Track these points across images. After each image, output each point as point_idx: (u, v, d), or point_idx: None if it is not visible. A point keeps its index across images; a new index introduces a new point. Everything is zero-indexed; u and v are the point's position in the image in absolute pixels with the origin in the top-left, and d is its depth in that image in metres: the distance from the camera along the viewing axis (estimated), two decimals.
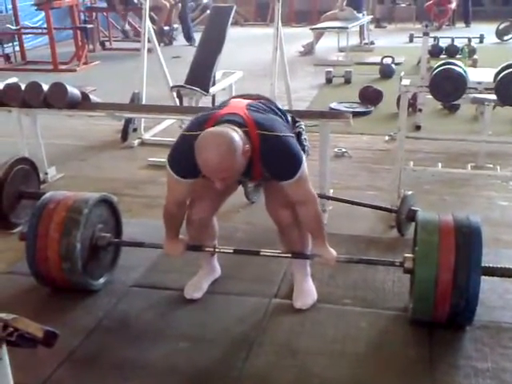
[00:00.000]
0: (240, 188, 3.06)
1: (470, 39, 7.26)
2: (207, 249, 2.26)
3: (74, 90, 3.38)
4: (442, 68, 2.83)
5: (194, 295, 2.29)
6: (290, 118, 2.15)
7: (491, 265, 2.07)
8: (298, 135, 2.13)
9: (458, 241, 1.96)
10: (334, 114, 3.43)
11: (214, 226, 2.31)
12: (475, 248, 1.95)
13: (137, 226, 2.83)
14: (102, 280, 2.38)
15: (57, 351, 1.64)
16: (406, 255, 2.13)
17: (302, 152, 2.00)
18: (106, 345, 2.06)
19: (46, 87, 3.33)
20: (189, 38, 9.23)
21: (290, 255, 2.23)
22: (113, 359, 1.99)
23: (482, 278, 1.97)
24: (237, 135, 1.80)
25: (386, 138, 4.35)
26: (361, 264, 2.39)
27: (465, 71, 2.83)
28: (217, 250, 2.26)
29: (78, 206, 2.26)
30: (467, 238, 1.97)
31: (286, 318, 2.20)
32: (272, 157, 1.89)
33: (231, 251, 2.27)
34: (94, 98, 3.81)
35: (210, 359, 1.98)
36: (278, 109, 2.12)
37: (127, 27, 9.32)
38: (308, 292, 2.27)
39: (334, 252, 2.14)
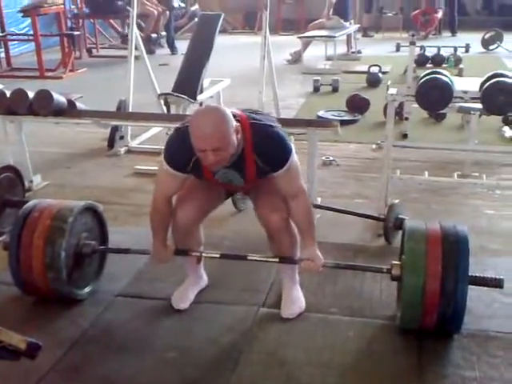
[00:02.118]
0: None
1: (456, 48, 7.33)
2: (194, 253, 2.22)
3: (59, 98, 3.36)
4: (428, 77, 2.85)
5: (181, 305, 2.27)
6: None
7: (478, 274, 2.08)
8: None
9: (445, 249, 1.97)
10: (321, 123, 3.45)
11: (199, 234, 2.29)
12: (462, 257, 1.96)
13: (123, 235, 2.80)
14: (87, 289, 2.35)
15: (40, 362, 1.62)
16: (394, 262, 2.14)
17: None
18: (90, 356, 2.03)
19: (31, 94, 3.30)
20: (172, 46, 9.23)
21: (277, 260, 2.21)
22: (98, 370, 1.96)
23: (469, 287, 1.97)
24: (229, 112, 1.87)
25: (373, 146, 4.37)
26: (348, 271, 2.39)
27: (451, 80, 2.85)
28: (204, 254, 2.24)
29: (62, 214, 2.23)
30: (454, 247, 1.98)
31: (274, 327, 2.18)
32: (264, 145, 1.94)
33: (218, 256, 2.25)
34: (80, 105, 3.78)
35: (197, 369, 1.96)
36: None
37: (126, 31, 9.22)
38: (296, 301, 2.26)
39: (321, 257, 2.13)
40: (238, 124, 1.89)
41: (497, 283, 2.09)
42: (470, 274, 1.98)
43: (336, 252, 2.71)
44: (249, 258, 2.22)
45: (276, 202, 2.11)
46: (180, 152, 1.96)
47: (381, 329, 2.16)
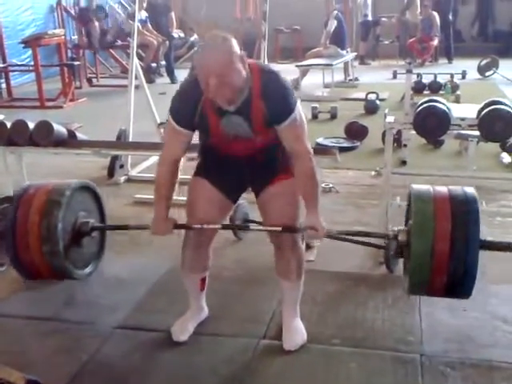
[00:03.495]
0: None
1: (452, 75, 7.41)
2: (195, 226, 2.11)
3: (60, 128, 3.38)
4: (425, 105, 2.87)
5: (181, 337, 2.24)
6: None
7: (490, 239, 2.00)
8: None
9: (453, 209, 1.88)
10: (321, 150, 3.45)
11: (208, 254, 2.25)
12: (472, 216, 1.87)
13: (122, 265, 2.80)
14: (87, 270, 2.29)
15: None
16: (400, 228, 2.08)
17: None
18: None
19: (32, 125, 3.32)
20: (171, 75, 9.33)
21: (279, 229, 2.07)
22: None
23: (472, 315, 1.95)
24: (236, 43, 1.85)
25: (373, 173, 4.37)
26: (350, 300, 2.36)
27: (448, 108, 2.87)
28: (205, 226, 2.11)
29: (59, 188, 2.20)
30: (463, 207, 1.88)
31: (275, 359, 2.15)
32: (271, 90, 1.90)
33: (219, 227, 2.15)
34: (80, 135, 3.80)
35: None
36: None
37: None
38: (297, 332, 2.23)
39: (324, 225, 2.07)
40: (245, 55, 1.89)
41: (506, 246, 1.99)
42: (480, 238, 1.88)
43: (337, 281, 2.70)
44: (251, 227, 2.16)
45: (290, 214, 2.08)
46: (186, 101, 1.93)
47: (383, 360, 2.13)
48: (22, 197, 2.22)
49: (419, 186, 2.09)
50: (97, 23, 9.10)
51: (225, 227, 2.19)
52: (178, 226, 2.16)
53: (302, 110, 2.03)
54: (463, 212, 1.88)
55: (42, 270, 2.21)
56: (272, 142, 2.06)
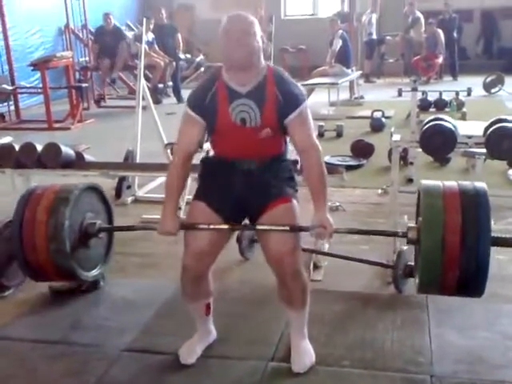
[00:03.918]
0: (234, 244, 3.06)
1: (457, 93, 7.42)
2: (201, 226, 2.07)
3: (68, 150, 3.41)
4: (431, 123, 2.88)
5: (188, 360, 2.22)
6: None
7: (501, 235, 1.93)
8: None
9: (464, 203, 1.85)
10: (327, 169, 3.45)
11: (209, 282, 2.22)
12: (482, 210, 1.83)
13: (129, 287, 2.79)
14: (93, 272, 2.27)
15: None
16: (410, 225, 2.05)
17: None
18: None
19: (40, 147, 3.35)
20: (178, 96, 9.41)
21: (287, 228, 2.01)
22: None
23: (482, 335, 1.91)
24: None
25: (379, 191, 4.36)
26: (358, 321, 2.32)
27: (454, 126, 2.87)
28: (212, 226, 2.07)
29: (67, 187, 2.21)
30: (473, 201, 1.85)
31: (284, 381, 2.12)
32: (284, 83, 2.02)
33: (226, 227, 2.10)
34: (87, 156, 3.83)
35: None
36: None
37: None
38: (306, 354, 2.20)
39: (332, 222, 2.04)
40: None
41: None
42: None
43: (345, 301, 2.68)
44: (258, 227, 2.08)
45: (289, 242, 2.04)
46: (202, 89, 2.04)
47: (393, 381, 2.10)
48: (30, 196, 2.22)
49: (428, 182, 2.05)
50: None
51: (233, 228, 2.14)
52: (184, 226, 2.12)
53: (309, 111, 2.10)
54: (474, 206, 1.84)
55: (49, 270, 2.18)
56: (273, 152, 2.09)
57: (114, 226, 2.41)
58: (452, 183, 1.98)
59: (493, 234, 1.84)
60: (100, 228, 2.28)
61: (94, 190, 2.35)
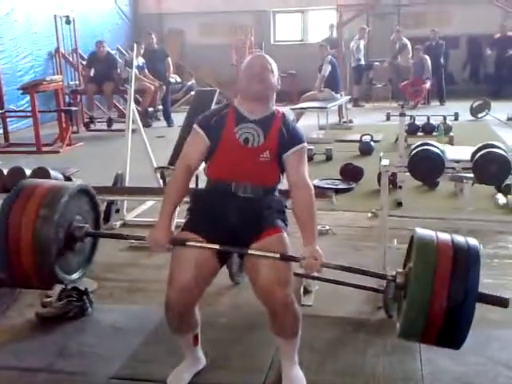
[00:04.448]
0: (224, 269, 3.04)
1: (445, 117, 7.51)
2: (191, 243, 2.04)
3: (57, 174, 3.39)
4: (419, 148, 2.90)
5: None
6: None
7: (485, 291, 1.96)
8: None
9: (455, 262, 1.87)
10: (317, 193, 3.46)
11: (195, 316, 2.16)
12: (473, 267, 1.87)
13: (117, 313, 2.76)
14: (74, 276, 2.22)
15: None
16: (399, 270, 2.07)
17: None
18: None
19: (28, 171, 3.33)
20: (168, 119, 9.45)
21: (278, 256, 2.01)
22: None
23: (473, 360, 1.91)
24: None
25: (369, 214, 4.38)
26: (349, 346, 2.30)
27: (442, 151, 2.90)
28: (204, 245, 2.04)
29: (58, 187, 2.18)
30: (465, 260, 1.88)
31: None
32: (290, 121, 2.20)
33: (217, 247, 2.05)
34: (76, 180, 3.81)
35: None
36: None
37: (112, 115, 9.43)
38: (297, 381, 2.17)
39: (321, 254, 2.03)
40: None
41: (502, 302, 1.98)
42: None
43: (336, 327, 2.66)
44: (249, 252, 2.04)
45: (280, 274, 2.00)
46: (213, 110, 2.26)
47: None
48: (18, 194, 2.17)
49: (423, 232, 2.06)
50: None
51: (223, 250, 2.09)
52: (175, 241, 2.09)
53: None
54: (465, 263, 1.88)
55: (30, 271, 2.11)
56: (267, 182, 2.14)
57: (101, 232, 2.36)
58: (446, 237, 2.01)
59: (480, 290, 1.89)
60: (87, 233, 2.24)
61: (85, 193, 2.30)
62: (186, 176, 2.16)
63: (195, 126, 2.18)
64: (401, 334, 1.98)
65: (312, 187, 2.13)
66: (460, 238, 2.00)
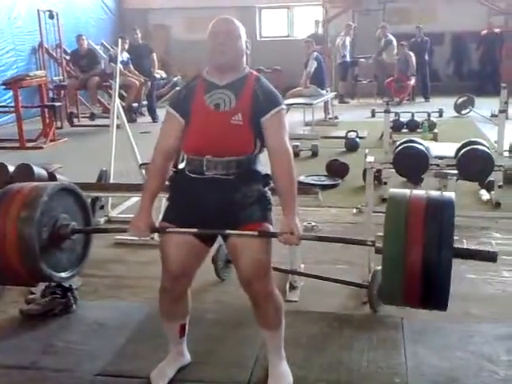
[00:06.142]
0: (210, 265, 3.04)
1: (429, 114, 7.55)
2: (170, 230, 2.05)
3: (40, 170, 3.36)
4: (404, 145, 2.92)
5: (160, 383, 2.18)
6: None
7: (464, 246, 1.90)
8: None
9: (427, 216, 1.79)
10: (302, 190, 3.47)
11: (187, 301, 2.21)
12: (446, 219, 1.79)
13: (102, 309, 2.74)
14: (64, 274, 2.20)
15: None
16: (378, 234, 2.03)
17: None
18: None
19: (12, 168, 3.30)
20: (153, 115, 9.41)
21: (256, 233, 2.00)
22: None
23: (457, 355, 1.92)
24: None
25: (354, 210, 4.39)
26: (335, 342, 2.31)
27: (426, 148, 2.93)
28: (182, 230, 2.05)
29: (40, 187, 2.15)
30: (438, 213, 1.80)
31: None
32: (264, 84, 2.08)
33: (195, 230, 2.05)
34: (60, 176, 3.78)
35: None
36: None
37: (95, 111, 9.36)
38: (283, 376, 2.18)
39: (300, 227, 2.01)
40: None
41: (489, 256, 1.84)
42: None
43: (321, 322, 2.67)
44: (227, 232, 2.04)
45: (260, 267, 2.03)
46: (183, 87, 2.17)
47: None
48: (1, 198, 2.15)
49: (396, 190, 2.00)
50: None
51: (201, 233, 2.08)
52: (156, 229, 2.12)
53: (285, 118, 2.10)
54: (438, 216, 1.80)
55: (19, 271, 2.09)
56: (243, 149, 2.04)
57: (87, 228, 2.35)
58: (420, 192, 1.94)
59: (455, 245, 1.80)
60: (73, 230, 2.23)
61: (70, 192, 2.28)
62: (163, 162, 2.09)
63: (167, 107, 2.11)
64: (383, 296, 1.94)
65: (291, 152, 2.04)
66: (434, 192, 1.94)
